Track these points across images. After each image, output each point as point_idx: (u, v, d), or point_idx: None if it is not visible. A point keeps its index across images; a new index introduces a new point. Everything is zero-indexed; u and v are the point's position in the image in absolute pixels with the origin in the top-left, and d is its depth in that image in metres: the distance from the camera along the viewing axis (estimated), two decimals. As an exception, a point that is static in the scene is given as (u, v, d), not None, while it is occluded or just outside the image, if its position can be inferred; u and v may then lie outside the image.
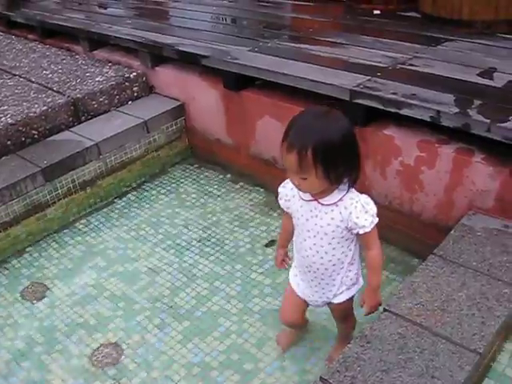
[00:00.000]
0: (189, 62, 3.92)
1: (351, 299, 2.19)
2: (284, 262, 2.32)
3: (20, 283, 3.19)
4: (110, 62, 4.64)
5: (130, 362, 2.63)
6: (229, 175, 3.95)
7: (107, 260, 3.29)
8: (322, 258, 2.01)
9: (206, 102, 3.89)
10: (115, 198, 3.84)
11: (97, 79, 4.25)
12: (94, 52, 4.88)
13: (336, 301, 2.17)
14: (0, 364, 2.68)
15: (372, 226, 1.89)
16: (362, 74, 3.09)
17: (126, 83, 4.21)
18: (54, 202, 3.54)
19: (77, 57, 4.91)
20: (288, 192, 2.03)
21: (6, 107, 3.96)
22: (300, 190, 1.89)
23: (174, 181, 3.98)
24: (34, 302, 3.06)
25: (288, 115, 1.92)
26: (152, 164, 4.03)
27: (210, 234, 3.38)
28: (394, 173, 2.91)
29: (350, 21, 4.26)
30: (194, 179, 3.96)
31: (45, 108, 3.86)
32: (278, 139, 1.81)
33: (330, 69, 3.22)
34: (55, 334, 2.84)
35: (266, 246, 3.22)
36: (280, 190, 2.07)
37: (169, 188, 3.91)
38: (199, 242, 3.33)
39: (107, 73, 4.36)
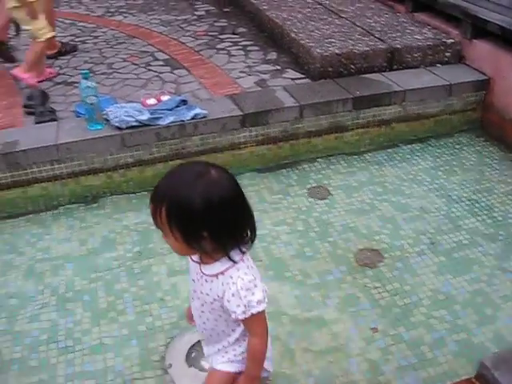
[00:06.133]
0: (511, 40, 4.09)
1: (231, 378, 1.94)
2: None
3: (308, 182, 3.82)
4: (428, 25, 4.97)
5: (387, 270, 3.06)
6: (512, 155, 4.12)
7: (383, 189, 3.74)
8: (204, 323, 1.83)
9: (515, 82, 4.07)
10: (401, 142, 4.25)
11: (415, 36, 4.63)
12: (415, 14, 5.24)
13: (215, 366, 1.95)
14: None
15: (245, 315, 1.65)
16: None
17: (441, 47, 4.53)
18: (353, 129, 4.08)
19: (398, 14, 5.33)
20: None
21: (333, 40, 4.55)
22: None
23: (457, 145, 4.27)
24: (317, 199, 3.63)
25: None
26: (442, 124, 4.35)
27: (480, 198, 3.63)
28: None
29: None
30: (477, 149, 4.20)
31: (367, 49, 4.37)
32: None
33: None
34: (329, 228, 3.37)
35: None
36: None
37: (451, 150, 4.20)
38: (469, 200, 3.61)
39: (426, 34, 4.71)
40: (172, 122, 3.63)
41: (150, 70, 4.84)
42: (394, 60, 4.42)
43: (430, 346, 2.62)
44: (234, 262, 1.64)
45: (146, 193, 3.78)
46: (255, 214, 3.33)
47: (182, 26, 5.93)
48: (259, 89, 4.25)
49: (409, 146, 4.23)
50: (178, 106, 3.74)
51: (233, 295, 1.63)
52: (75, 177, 3.66)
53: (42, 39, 4.50)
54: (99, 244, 3.37)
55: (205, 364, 2.55)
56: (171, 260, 3.19)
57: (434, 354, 2.58)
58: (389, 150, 4.18)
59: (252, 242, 1.69)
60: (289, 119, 3.86)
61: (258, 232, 3.21)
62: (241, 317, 1.65)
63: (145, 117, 3.58)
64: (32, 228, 3.56)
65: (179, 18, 6.19)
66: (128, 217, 3.57)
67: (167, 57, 5.09)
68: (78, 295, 3.01)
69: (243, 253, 1.66)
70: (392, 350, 2.60)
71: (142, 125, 3.60)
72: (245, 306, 1.63)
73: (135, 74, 4.76)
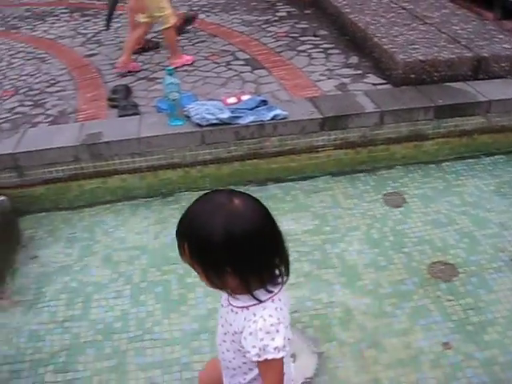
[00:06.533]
0: None
1: None
2: None
3: (384, 189, 3.77)
4: (519, 34, 4.81)
5: (461, 285, 2.97)
6: None
7: (462, 201, 3.64)
8: (223, 353, 1.69)
9: None
10: (483, 154, 4.12)
11: (504, 45, 4.48)
12: (504, 21, 5.09)
13: None
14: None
15: (259, 358, 1.49)
16: None
17: (533, 56, 4.36)
18: (433, 138, 3.99)
19: (485, 22, 5.17)
20: None
21: (417, 46, 4.47)
22: None
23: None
24: (393, 207, 3.59)
25: None
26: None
27: None
28: None
29: None
30: None
31: (452, 57, 4.26)
32: None
33: None
34: (404, 238, 3.32)
35: None
36: None
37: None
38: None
39: (517, 42, 4.56)
40: (252, 122, 3.66)
41: (230, 69, 4.90)
42: (480, 69, 4.29)
43: (503, 366, 2.52)
44: (260, 301, 1.50)
45: (221, 190, 3.83)
46: (329, 217, 3.43)
47: (263, 26, 5.97)
48: (339, 93, 4.23)
49: (491, 157, 4.09)
50: (258, 106, 3.76)
51: (250, 334, 1.49)
52: (154, 170, 3.76)
53: (169, 24, 4.79)
54: (173, 237, 3.42)
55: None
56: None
57: (507, 375, 2.49)
58: (470, 161, 4.05)
59: (283, 280, 1.55)
60: (368, 125, 3.82)
61: (332, 236, 3.28)
62: (254, 358, 1.50)
63: (225, 115, 3.63)
64: (110, 217, 3.68)
65: (260, 18, 6.23)
66: (202, 212, 3.61)
67: (248, 56, 5.13)
68: (151, 286, 3.08)
69: (270, 292, 1.51)
70: (463, 367, 2.52)
71: (222, 123, 3.65)
72: (259, 348, 1.47)
73: (216, 73, 4.83)
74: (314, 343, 2.67)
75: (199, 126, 3.65)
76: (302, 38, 5.51)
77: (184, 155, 3.71)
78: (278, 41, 5.49)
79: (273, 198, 3.73)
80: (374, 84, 4.37)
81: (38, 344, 2.78)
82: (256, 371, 1.63)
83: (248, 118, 3.66)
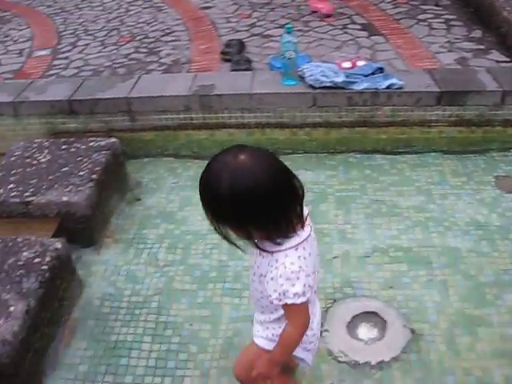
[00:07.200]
0: None
1: (269, 358, 1.83)
2: None
3: (497, 172, 3.59)
4: None
5: None
6: None
7: None
8: (253, 291, 1.80)
9: None
10: None
11: None
12: None
13: (255, 338, 1.91)
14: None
15: (280, 302, 1.59)
16: None
17: None
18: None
19: None
20: None
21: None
22: None
23: None
24: (504, 192, 3.41)
25: None
26: None
27: None
28: None
29: None
30: None
31: None
32: None
33: None
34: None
35: None
36: None
37: None
38: None
39: None
40: (366, 89, 3.57)
41: (346, 32, 4.80)
42: None
43: None
44: (266, 251, 1.59)
45: (326, 154, 3.79)
46: (435, 195, 3.32)
47: (383, -9, 5.76)
48: (459, 67, 4.05)
49: None
50: (373, 73, 3.66)
51: (272, 279, 1.58)
52: (262, 128, 3.77)
53: None
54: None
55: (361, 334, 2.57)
56: (344, 227, 3.18)
57: None
58: None
59: (302, 232, 1.60)
60: (488, 104, 3.63)
61: (436, 214, 3.17)
62: (275, 302, 1.60)
63: (340, 79, 3.56)
64: (213, 170, 3.71)
65: (381, -18, 6.01)
66: (306, 175, 3.57)
67: (365, 21, 5.00)
68: (248, 242, 3.10)
69: (279, 244, 1.57)
70: None
71: (336, 87, 3.58)
72: (279, 293, 1.57)
73: (331, 35, 4.75)
74: (407, 321, 2.62)
75: (312, 87, 3.60)
76: (422, 7, 5.29)
77: (294, 115, 3.69)
78: (397, 7, 5.30)
79: (378, 168, 3.65)
80: (498, 61, 4.14)
81: (135, 285, 2.90)
82: (281, 311, 1.71)
83: (362, 85, 3.57)
